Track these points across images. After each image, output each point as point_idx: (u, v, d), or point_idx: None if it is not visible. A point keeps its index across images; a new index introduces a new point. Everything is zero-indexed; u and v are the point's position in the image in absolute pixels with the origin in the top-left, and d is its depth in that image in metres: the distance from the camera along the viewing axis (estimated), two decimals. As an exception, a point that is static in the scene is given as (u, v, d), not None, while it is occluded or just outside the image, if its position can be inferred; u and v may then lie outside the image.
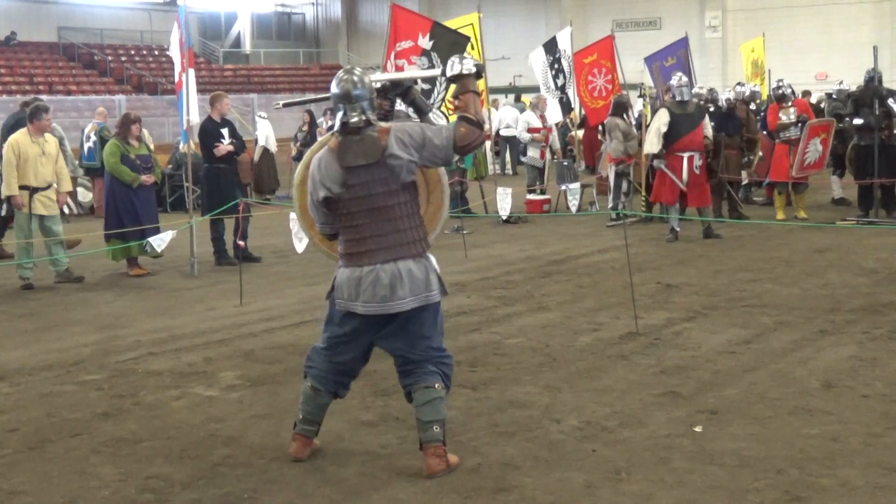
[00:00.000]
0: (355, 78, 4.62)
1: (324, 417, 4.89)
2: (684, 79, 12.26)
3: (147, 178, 10.67)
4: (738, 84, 16.13)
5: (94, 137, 16.40)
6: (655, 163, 12.03)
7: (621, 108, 13.92)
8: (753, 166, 14.20)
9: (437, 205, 5.26)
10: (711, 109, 13.47)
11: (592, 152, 18.78)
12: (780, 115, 13.42)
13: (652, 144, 11.89)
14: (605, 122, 14.55)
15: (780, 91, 13.61)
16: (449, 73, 4.73)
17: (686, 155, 11.75)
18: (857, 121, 13.34)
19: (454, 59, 4.77)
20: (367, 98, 4.60)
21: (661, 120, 11.82)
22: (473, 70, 4.71)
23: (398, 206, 4.55)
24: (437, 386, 4.64)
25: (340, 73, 4.71)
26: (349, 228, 4.60)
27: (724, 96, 14.42)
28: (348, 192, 4.53)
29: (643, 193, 13.99)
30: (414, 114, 5.50)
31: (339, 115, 4.59)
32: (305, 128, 19.15)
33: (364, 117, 4.55)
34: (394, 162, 4.49)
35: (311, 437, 4.85)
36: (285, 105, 5.99)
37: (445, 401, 4.70)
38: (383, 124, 4.64)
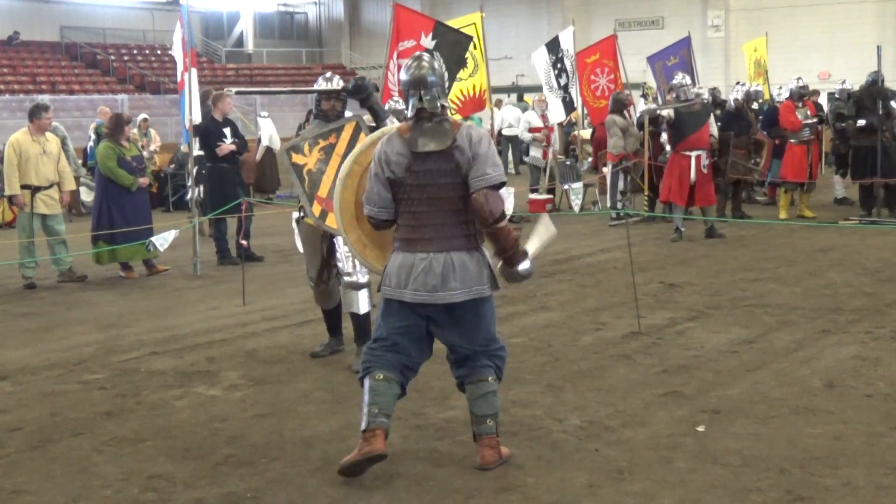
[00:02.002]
0: (426, 63, 4.60)
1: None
2: (687, 78, 12.26)
3: (143, 181, 10.64)
4: (738, 83, 16.10)
5: (93, 136, 16.44)
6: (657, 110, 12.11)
7: (620, 104, 13.93)
8: (760, 167, 14.21)
9: None
10: (719, 112, 13.47)
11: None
12: (797, 114, 13.38)
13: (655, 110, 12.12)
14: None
15: (802, 89, 13.57)
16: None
17: (693, 154, 11.75)
18: (861, 122, 13.30)
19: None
20: (440, 84, 4.59)
21: (667, 111, 11.91)
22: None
23: (459, 199, 4.53)
24: (490, 379, 4.67)
25: (409, 60, 4.68)
26: (408, 214, 4.58)
27: (733, 96, 14.40)
28: (411, 178, 4.52)
29: (646, 192, 13.98)
30: (371, 120, 5.66)
31: (412, 101, 4.55)
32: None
33: (440, 103, 4.55)
34: (459, 155, 4.49)
35: (387, 429, 4.55)
36: (238, 93, 6.13)
37: (498, 394, 4.73)
38: (456, 118, 4.70)
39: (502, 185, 4.56)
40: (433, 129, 4.52)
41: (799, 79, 13.94)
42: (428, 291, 4.52)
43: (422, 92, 4.53)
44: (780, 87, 17.63)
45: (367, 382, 4.60)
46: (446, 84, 4.65)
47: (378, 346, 4.67)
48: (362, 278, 6.47)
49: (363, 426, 4.52)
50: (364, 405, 4.56)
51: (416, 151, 4.50)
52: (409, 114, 4.58)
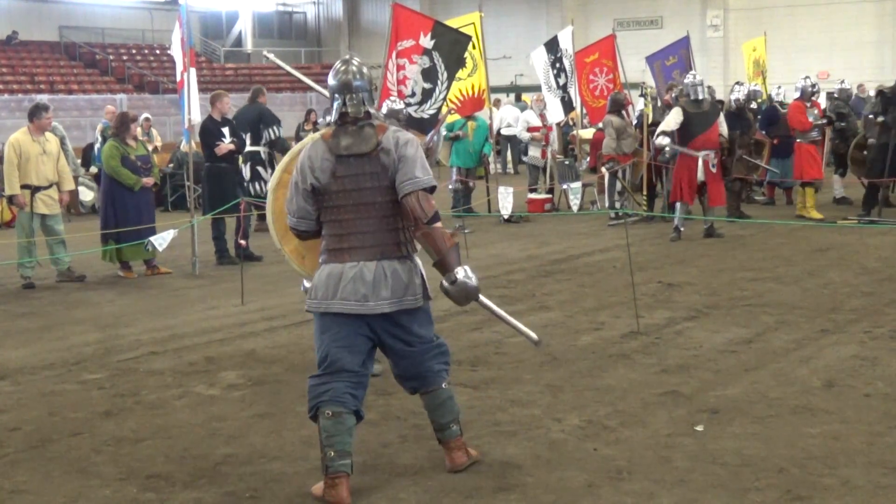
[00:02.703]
0: (354, 68, 4.48)
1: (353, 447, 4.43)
2: (698, 77, 12.15)
3: (148, 181, 10.61)
4: (737, 83, 16.06)
5: (100, 138, 16.45)
6: (667, 149, 11.95)
7: (618, 105, 13.93)
8: (761, 169, 14.20)
9: None
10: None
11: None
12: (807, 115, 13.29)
13: (659, 137, 11.90)
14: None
15: (813, 89, 13.45)
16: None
17: (701, 154, 11.72)
18: (880, 118, 13.21)
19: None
20: (366, 90, 4.46)
21: (675, 118, 11.78)
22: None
23: (387, 204, 4.36)
24: (444, 385, 4.56)
25: (338, 63, 4.55)
26: (334, 223, 4.39)
27: (734, 96, 14.32)
28: (336, 184, 4.34)
29: (643, 194, 13.99)
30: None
31: (336, 104, 4.42)
32: (308, 126, 19.11)
33: (363, 109, 4.39)
34: (385, 158, 4.33)
35: (349, 472, 4.31)
36: (272, 58, 5.98)
37: (454, 396, 4.65)
38: (381, 122, 4.52)
39: (433, 189, 4.38)
40: (356, 132, 4.37)
41: (807, 77, 13.78)
42: (358, 300, 4.32)
43: (346, 97, 4.39)
44: (780, 87, 17.63)
45: (319, 421, 4.35)
46: (373, 89, 4.55)
47: (321, 372, 4.39)
48: None
49: (323, 469, 4.31)
50: (321, 445, 4.34)
51: (339, 155, 4.34)
52: (333, 117, 4.44)
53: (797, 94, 13.71)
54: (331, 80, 4.50)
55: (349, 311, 4.34)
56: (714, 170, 11.77)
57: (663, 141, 11.88)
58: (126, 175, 10.38)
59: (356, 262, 4.35)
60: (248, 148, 12.42)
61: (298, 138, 19.53)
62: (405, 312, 4.42)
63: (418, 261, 4.52)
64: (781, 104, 16.04)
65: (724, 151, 12.26)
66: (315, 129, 18.80)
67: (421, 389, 4.58)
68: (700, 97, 11.82)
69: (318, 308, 4.40)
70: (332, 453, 4.27)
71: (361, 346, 4.43)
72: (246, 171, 12.38)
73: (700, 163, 11.66)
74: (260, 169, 12.41)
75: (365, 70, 4.52)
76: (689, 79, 12.20)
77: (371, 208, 4.35)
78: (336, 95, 4.45)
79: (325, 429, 4.31)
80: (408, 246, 4.46)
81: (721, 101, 15.44)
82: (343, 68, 4.49)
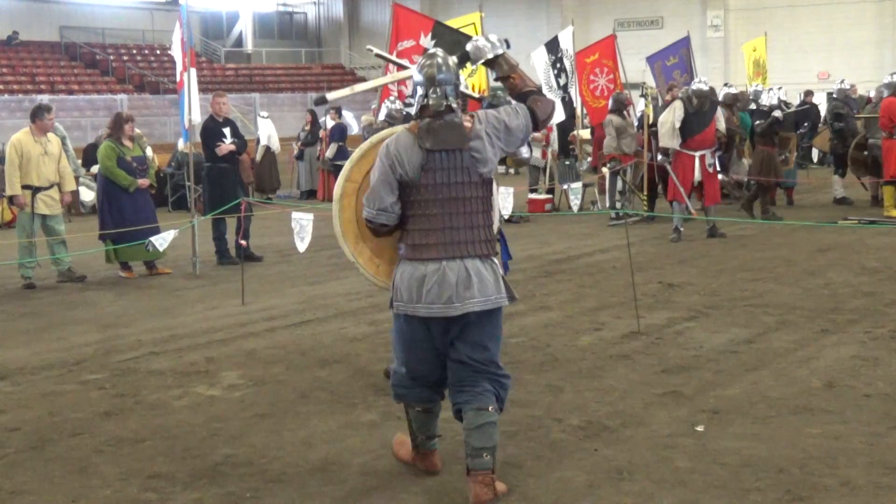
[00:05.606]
0: (439, 61, 4.36)
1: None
2: (707, 85, 12.01)
3: (143, 182, 10.60)
4: (777, 87, 15.95)
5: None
6: (660, 159, 11.98)
7: (620, 104, 13.93)
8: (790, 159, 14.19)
9: None
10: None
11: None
12: None
13: (669, 137, 11.83)
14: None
15: None
16: (482, 59, 4.60)
17: (698, 154, 11.71)
18: None
19: (480, 45, 4.59)
20: (451, 83, 4.34)
21: (677, 114, 11.72)
22: (504, 47, 4.59)
23: (475, 200, 4.29)
24: (490, 409, 4.30)
25: (422, 58, 4.43)
26: (420, 217, 4.27)
27: (769, 100, 14.03)
28: (426, 177, 4.24)
29: (644, 194, 13.98)
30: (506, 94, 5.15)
31: (418, 96, 4.35)
32: (308, 127, 19.11)
33: (446, 102, 4.28)
34: (477, 154, 4.27)
35: (437, 448, 4.66)
36: (330, 98, 5.62)
37: (497, 426, 4.36)
38: (468, 114, 4.40)
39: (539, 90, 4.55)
40: (444, 127, 4.27)
41: (894, 74, 13.44)
42: (443, 303, 4.23)
43: (429, 89, 4.31)
44: (780, 88, 17.64)
45: (408, 411, 4.64)
46: (459, 83, 4.39)
47: (404, 375, 4.53)
48: None
49: (414, 446, 4.67)
50: (411, 428, 4.66)
51: (429, 149, 4.25)
52: (415, 110, 4.38)
53: (887, 92, 13.17)
54: (416, 76, 4.41)
55: (436, 314, 4.27)
56: (710, 170, 11.77)
57: (673, 144, 11.79)
58: (121, 176, 10.38)
59: (438, 263, 4.26)
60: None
61: (298, 138, 19.54)
62: (486, 315, 4.32)
63: (496, 261, 4.43)
64: (786, 104, 16.04)
65: (721, 147, 12.25)
66: (312, 131, 18.86)
67: (467, 406, 4.33)
68: (706, 111, 11.71)
69: (405, 311, 4.35)
70: (424, 437, 4.62)
71: (435, 353, 4.43)
72: None
73: (696, 163, 11.65)
74: None
75: (451, 62, 4.41)
76: (696, 85, 12.00)
77: (458, 204, 4.27)
78: (419, 89, 4.37)
79: (416, 419, 4.60)
80: (490, 245, 4.36)
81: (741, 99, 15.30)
82: (428, 63, 4.38)
